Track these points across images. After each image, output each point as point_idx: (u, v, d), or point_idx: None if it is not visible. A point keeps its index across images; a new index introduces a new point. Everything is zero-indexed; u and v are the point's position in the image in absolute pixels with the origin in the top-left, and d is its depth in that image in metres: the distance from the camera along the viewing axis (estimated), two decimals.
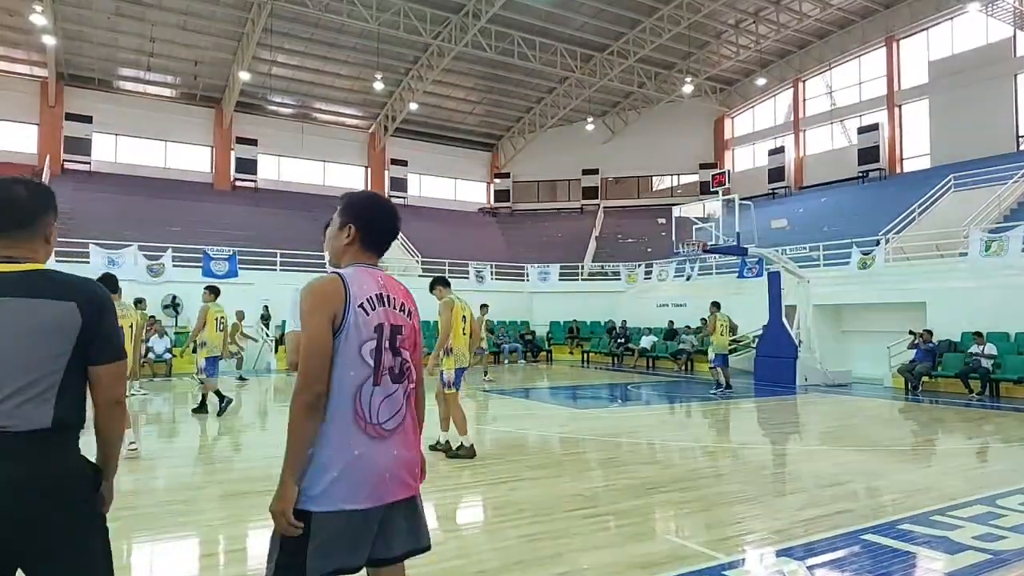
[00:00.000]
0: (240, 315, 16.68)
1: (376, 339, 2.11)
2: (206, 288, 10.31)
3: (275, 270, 21.14)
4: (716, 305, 14.01)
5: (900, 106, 25.73)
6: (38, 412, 1.79)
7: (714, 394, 13.16)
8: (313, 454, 2.03)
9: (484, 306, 15.59)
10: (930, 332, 14.12)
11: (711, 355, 13.98)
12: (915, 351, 13.98)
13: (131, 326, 6.65)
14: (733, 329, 14.92)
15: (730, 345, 14.08)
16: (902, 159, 25.77)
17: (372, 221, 2.25)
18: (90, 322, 1.89)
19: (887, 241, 18.27)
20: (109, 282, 6.26)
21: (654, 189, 34.14)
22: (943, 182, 20.99)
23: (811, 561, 4.08)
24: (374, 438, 2.09)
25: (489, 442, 8.38)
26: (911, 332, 14.27)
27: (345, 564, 2.04)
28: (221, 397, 9.94)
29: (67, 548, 1.81)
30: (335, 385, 2.05)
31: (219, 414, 9.86)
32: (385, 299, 2.18)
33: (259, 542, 4.56)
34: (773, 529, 4.68)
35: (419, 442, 2.29)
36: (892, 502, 5.43)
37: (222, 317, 10.35)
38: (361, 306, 2.10)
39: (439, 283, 7.45)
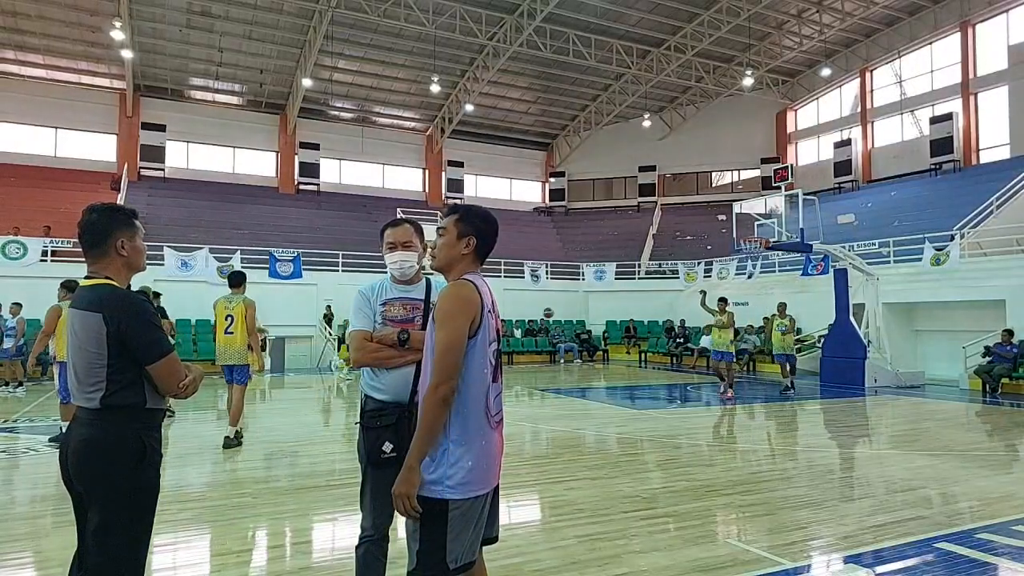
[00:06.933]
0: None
1: (496, 341, 2.37)
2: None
3: (337, 271, 21.68)
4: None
5: (976, 94, 24.39)
6: (92, 397, 2.33)
7: None
8: (450, 445, 2.22)
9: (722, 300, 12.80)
10: (1010, 332, 13.39)
11: None
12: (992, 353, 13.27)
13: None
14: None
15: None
16: (978, 150, 24.43)
17: (490, 235, 2.43)
18: (115, 330, 2.30)
19: (962, 236, 17.39)
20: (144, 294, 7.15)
21: (713, 185, 33.39)
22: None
23: (881, 569, 3.93)
24: (493, 429, 2.33)
25: (545, 441, 8.40)
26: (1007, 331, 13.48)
27: (474, 553, 2.25)
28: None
29: (97, 496, 2.30)
30: (472, 382, 2.25)
31: None
32: (493, 304, 2.38)
33: (323, 535, 4.71)
34: (840, 535, 4.53)
35: None
36: (969, 510, 5.18)
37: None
38: (489, 311, 2.32)
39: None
